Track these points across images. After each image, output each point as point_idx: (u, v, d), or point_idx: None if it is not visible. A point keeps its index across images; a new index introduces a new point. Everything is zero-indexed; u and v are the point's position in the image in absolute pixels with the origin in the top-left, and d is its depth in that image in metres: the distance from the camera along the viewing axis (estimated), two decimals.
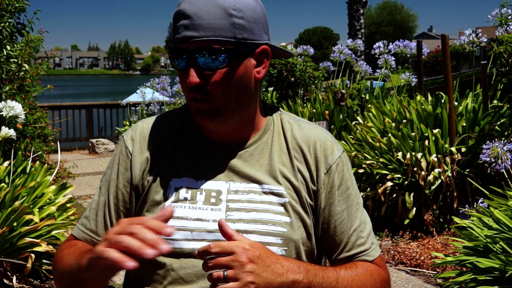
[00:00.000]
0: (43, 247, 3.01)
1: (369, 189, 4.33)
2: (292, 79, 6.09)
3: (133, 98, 10.99)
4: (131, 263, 0.88)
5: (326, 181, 1.20)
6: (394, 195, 4.17)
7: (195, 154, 1.20)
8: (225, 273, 0.95)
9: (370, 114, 4.94)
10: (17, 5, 4.13)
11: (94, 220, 1.22)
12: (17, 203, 2.94)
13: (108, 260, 0.90)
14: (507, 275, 2.21)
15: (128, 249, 0.89)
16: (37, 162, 3.70)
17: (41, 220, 3.04)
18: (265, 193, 1.17)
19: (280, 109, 1.30)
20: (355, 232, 1.20)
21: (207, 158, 1.20)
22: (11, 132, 3.10)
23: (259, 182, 1.17)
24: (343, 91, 5.29)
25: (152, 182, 1.18)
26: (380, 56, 5.89)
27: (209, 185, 1.17)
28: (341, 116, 5.37)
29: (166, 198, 1.16)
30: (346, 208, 1.20)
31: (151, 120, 1.27)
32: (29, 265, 2.93)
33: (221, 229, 1.01)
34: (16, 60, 4.39)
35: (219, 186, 1.17)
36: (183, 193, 1.16)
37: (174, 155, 1.20)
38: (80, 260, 1.03)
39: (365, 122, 4.91)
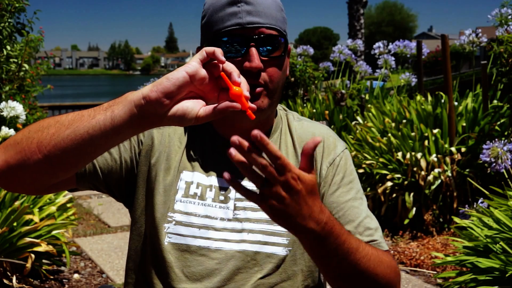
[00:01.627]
0: (43, 247, 3.01)
1: (369, 189, 4.33)
2: (292, 79, 6.09)
3: None
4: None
5: (330, 173, 1.21)
6: (394, 195, 4.17)
7: (206, 150, 1.21)
8: (265, 184, 0.85)
9: (370, 114, 4.94)
10: (17, 5, 4.13)
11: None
12: (17, 203, 2.94)
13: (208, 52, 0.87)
14: (507, 275, 2.21)
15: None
16: None
17: (41, 220, 3.04)
18: None
19: (285, 107, 1.31)
20: (361, 224, 1.17)
21: (218, 155, 1.20)
22: (11, 132, 3.10)
23: None
24: (343, 91, 5.29)
25: (164, 168, 1.17)
26: (380, 56, 5.89)
27: (218, 182, 1.17)
28: (341, 116, 5.37)
29: (176, 190, 1.16)
30: (350, 199, 1.19)
31: None
32: (28, 265, 2.93)
33: (305, 148, 0.87)
34: (16, 60, 4.40)
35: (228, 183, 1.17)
36: (193, 188, 1.16)
37: (188, 148, 1.20)
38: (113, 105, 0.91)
39: (365, 122, 4.91)
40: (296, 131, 1.25)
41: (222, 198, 1.16)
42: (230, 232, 1.13)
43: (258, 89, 1.11)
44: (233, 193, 1.16)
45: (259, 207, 1.13)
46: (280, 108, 1.30)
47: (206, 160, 1.19)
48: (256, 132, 0.82)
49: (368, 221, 1.19)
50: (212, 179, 1.17)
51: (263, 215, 1.15)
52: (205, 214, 1.14)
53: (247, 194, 0.86)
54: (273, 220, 0.91)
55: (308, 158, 0.88)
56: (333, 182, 1.20)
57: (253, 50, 1.08)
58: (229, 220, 1.14)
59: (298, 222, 0.90)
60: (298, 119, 1.28)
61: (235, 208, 1.15)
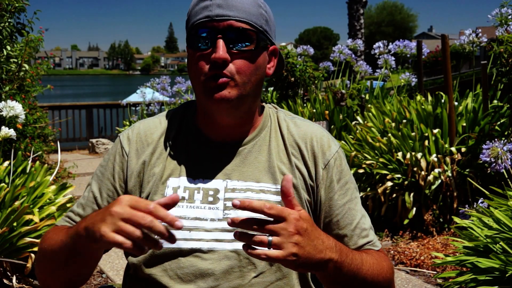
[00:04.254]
0: None
1: (369, 189, 4.32)
2: (292, 79, 6.09)
3: (133, 98, 10.98)
4: (135, 249, 0.88)
5: (325, 176, 1.21)
6: (394, 195, 4.17)
7: (192, 153, 1.20)
8: (270, 238, 0.91)
9: (370, 114, 4.94)
10: (17, 5, 4.13)
11: (79, 215, 1.22)
12: (17, 203, 2.94)
13: (110, 242, 0.89)
14: (507, 275, 2.21)
15: (135, 240, 0.88)
16: (37, 162, 3.70)
17: (41, 220, 3.04)
18: (262, 191, 1.17)
19: (276, 106, 1.31)
20: (358, 225, 1.21)
21: (205, 157, 1.20)
22: (11, 132, 3.09)
23: (256, 180, 1.18)
24: (343, 91, 5.29)
25: (150, 183, 1.18)
26: (380, 56, 5.89)
27: (206, 183, 1.17)
28: (341, 116, 5.37)
29: (163, 197, 1.15)
30: (347, 202, 1.21)
31: (148, 121, 1.27)
32: (29, 265, 2.93)
33: (284, 191, 0.96)
34: (16, 60, 4.39)
35: (216, 184, 1.17)
36: (180, 192, 1.16)
37: (172, 154, 1.20)
38: (77, 230, 1.00)
39: (365, 122, 4.91)
40: (288, 128, 1.24)
41: (211, 199, 1.16)
42: (221, 232, 1.13)
43: (223, 79, 1.11)
44: (222, 193, 1.16)
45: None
46: (270, 106, 1.30)
47: (192, 162, 1.19)
48: (233, 202, 0.90)
49: (363, 221, 1.22)
50: (200, 181, 1.17)
51: (254, 214, 1.15)
52: (195, 216, 1.14)
53: (271, 259, 0.92)
54: (298, 269, 0.97)
55: (292, 199, 0.95)
56: (329, 185, 1.21)
57: (220, 42, 1.10)
58: (219, 220, 1.14)
59: (319, 257, 0.97)
60: (290, 116, 1.28)
61: (225, 208, 1.15)
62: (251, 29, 1.12)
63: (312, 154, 1.21)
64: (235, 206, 0.90)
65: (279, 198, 1.16)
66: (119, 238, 0.88)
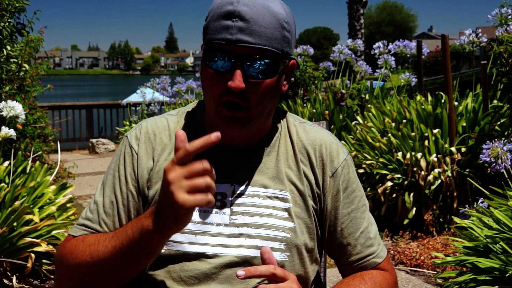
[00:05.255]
0: (43, 247, 3.01)
1: (369, 189, 4.33)
2: (292, 79, 6.09)
3: (133, 98, 11.00)
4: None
5: (332, 184, 1.19)
6: (394, 195, 4.17)
7: (200, 156, 1.19)
8: None
9: (370, 114, 4.94)
10: (17, 5, 4.13)
11: (97, 222, 1.17)
12: (17, 203, 2.94)
13: (192, 205, 0.91)
14: (507, 275, 2.21)
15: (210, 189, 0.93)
16: (37, 162, 3.70)
17: (41, 220, 3.04)
18: (269, 197, 1.16)
19: (285, 110, 1.30)
20: (362, 234, 1.19)
21: (213, 160, 1.18)
22: (11, 132, 3.10)
23: (264, 186, 1.17)
24: (343, 91, 5.29)
25: (159, 183, 1.16)
26: (380, 56, 5.89)
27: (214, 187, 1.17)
28: (341, 116, 5.37)
29: None
30: (352, 210, 1.20)
31: (156, 120, 1.24)
32: (29, 265, 2.93)
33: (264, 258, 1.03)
34: (16, 60, 4.39)
35: (224, 189, 1.16)
36: None
37: None
38: (129, 233, 1.02)
39: (365, 122, 4.91)
40: (297, 134, 1.23)
41: (218, 203, 1.15)
42: (227, 237, 1.13)
43: (238, 114, 1.09)
44: (229, 198, 1.16)
45: (256, 212, 1.14)
46: (280, 110, 1.28)
47: None
48: (238, 273, 0.97)
49: (368, 230, 1.21)
50: None
51: (260, 220, 1.14)
52: (202, 220, 1.14)
53: None
54: None
55: (278, 274, 1.01)
56: (336, 194, 1.20)
57: (237, 71, 1.06)
58: (225, 225, 1.14)
59: None
60: (299, 121, 1.27)
61: (232, 213, 1.14)
62: (271, 56, 1.08)
63: (320, 161, 1.20)
64: (239, 277, 0.97)
65: (286, 205, 1.16)
66: (199, 197, 0.91)
